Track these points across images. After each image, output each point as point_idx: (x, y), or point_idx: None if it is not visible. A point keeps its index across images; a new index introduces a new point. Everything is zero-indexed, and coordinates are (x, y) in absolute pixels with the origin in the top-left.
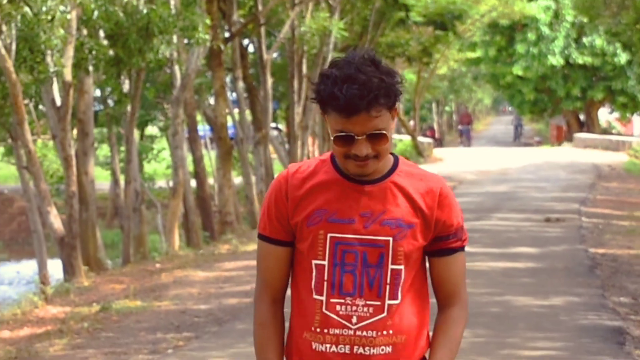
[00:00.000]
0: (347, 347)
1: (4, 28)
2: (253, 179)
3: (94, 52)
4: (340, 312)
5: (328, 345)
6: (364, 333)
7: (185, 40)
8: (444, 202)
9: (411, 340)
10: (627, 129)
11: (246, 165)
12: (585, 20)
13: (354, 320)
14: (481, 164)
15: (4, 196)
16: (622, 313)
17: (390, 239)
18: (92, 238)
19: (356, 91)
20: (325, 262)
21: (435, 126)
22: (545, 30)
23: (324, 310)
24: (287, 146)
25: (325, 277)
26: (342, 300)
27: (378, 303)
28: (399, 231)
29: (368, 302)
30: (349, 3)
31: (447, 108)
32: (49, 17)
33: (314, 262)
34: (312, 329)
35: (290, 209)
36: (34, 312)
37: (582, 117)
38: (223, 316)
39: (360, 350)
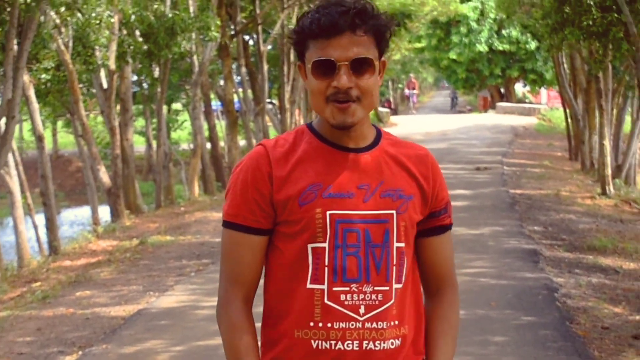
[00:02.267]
0: (356, 342)
1: (63, 29)
2: (254, 141)
3: (131, 47)
4: (346, 302)
5: (333, 342)
6: (374, 325)
7: (201, 37)
8: (436, 171)
9: (413, 331)
10: (537, 98)
11: (248, 131)
12: (504, 16)
13: (362, 310)
14: (426, 127)
15: (64, 158)
16: (536, 238)
17: (394, 212)
18: (132, 189)
19: (340, 8)
20: (326, 245)
21: (391, 99)
22: (474, 24)
23: (325, 301)
24: (279, 116)
25: (326, 262)
26: (347, 289)
27: (387, 288)
28: (401, 203)
29: (376, 288)
30: None
31: (399, 85)
32: (97, 21)
33: (310, 246)
34: (312, 324)
35: (275, 188)
36: (88, 246)
37: (502, 90)
38: None
39: (371, 345)
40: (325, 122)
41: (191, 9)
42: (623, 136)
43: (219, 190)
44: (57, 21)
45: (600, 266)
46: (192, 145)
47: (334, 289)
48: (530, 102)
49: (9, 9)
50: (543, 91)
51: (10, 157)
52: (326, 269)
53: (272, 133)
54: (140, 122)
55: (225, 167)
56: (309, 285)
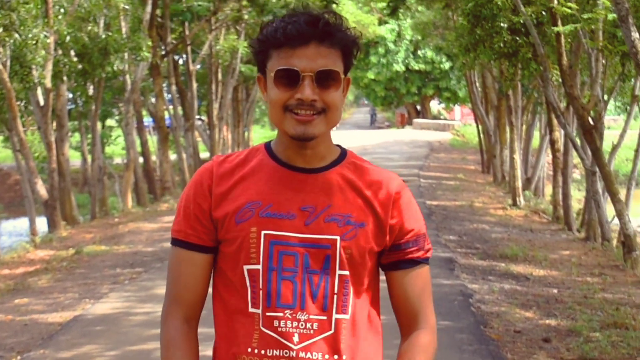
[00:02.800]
0: None
1: (0, 49)
2: (184, 156)
3: (67, 67)
4: (279, 329)
5: None
6: (309, 355)
7: (133, 57)
8: (401, 201)
9: None
10: (451, 115)
11: (179, 146)
12: (419, 37)
13: (296, 339)
14: (347, 143)
15: (3, 171)
16: (452, 247)
17: (338, 238)
18: (68, 201)
19: (307, 18)
20: (260, 267)
21: None
22: (391, 45)
23: (261, 327)
24: (208, 132)
25: (261, 285)
26: (281, 314)
27: (324, 318)
28: (348, 229)
29: (312, 317)
30: (251, 28)
31: None
32: (34, 41)
33: (245, 267)
34: (249, 350)
35: (213, 203)
36: (27, 256)
37: (418, 107)
38: (164, 256)
39: None
40: (281, 140)
41: (123, 31)
42: (532, 150)
43: (151, 202)
44: None
45: (512, 273)
46: (125, 160)
47: (267, 314)
48: (445, 119)
49: None
50: (457, 108)
51: None
52: (261, 292)
53: (202, 148)
54: (75, 138)
55: (157, 179)
56: (250, 309)
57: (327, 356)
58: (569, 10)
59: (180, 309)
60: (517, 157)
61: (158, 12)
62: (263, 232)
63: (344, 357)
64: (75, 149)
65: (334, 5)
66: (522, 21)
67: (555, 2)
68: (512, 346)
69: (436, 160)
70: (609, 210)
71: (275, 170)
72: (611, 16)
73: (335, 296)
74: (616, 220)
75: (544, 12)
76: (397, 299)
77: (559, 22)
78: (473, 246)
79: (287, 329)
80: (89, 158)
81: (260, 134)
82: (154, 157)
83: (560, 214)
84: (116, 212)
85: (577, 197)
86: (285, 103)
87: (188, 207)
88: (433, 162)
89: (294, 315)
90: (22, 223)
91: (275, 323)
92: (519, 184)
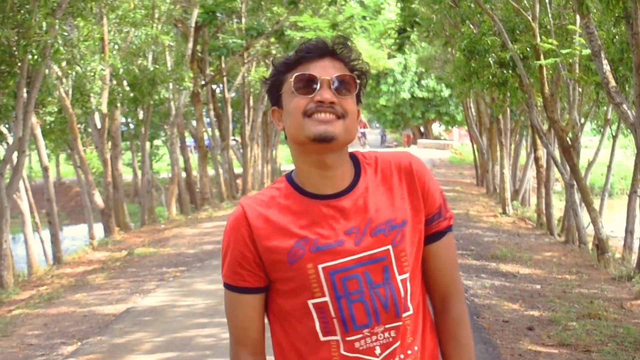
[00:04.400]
0: None
1: (64, 80)
2: (220, 171)
3: (120, 95)
4: (361, 348)
5: None
6: None
7: (177, 86)
8: (419, 174)
9: (430, 352)
10: (450, 136)
11: (216, 162)
12: (423, 70)
13: (378, 351)
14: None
15: (65, 185)
16: None
17: (390, 247)
18: (121, 210)
19: (319, 40)
20: (327, 298)
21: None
22: (399, 76)
23: (342, 351)
24: (241, 150)
25: (333, 314)
26: (360, 336)
27: (399, 323)
28: (395, 234)
29: (387, 327)
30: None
31: None
32: (92, 73)
33: (310, 302)
34: None
35: (261, 251)
36: (86, 257)
37: (422, 129)
38: (203, 256)
39: None
40: (303, 168)
41: (169, 64)
42: (520, 166)
43: (192, 211)
44: (59, 73)
45: (501, 272)
46: (170, 174)
47: (347, 338)
48: (445, 139)
49: (19, 64)
50: (455, 130)
51: (21, 184)
52: (335, 321)
53: (236, 164)
54: (127, 155)
55: (197, 191)
56: (322, 338)
57: (405, 355)
58: (550, 46)
59: (245, 348)
60: (507, 172)
61: (198, 48)
62: (320, 267)
63: (416, 348)
64: (128, 165)
65: (349, 42)
66: (509, 56)
67: (538, 39)
68: (501, 334)
69: (437, 175)
70: (585, 217)
71: (309, 204)
72: (586, 52)
73: (401, 300)
74: (591, 227)
75: (528, 48)
76: (432, 273)
77: (542, 57)
78: (468, 248)
79: (368, 345)
80: (139, 173)
81: (286, 152)
82: (195, 172)
83: (543, 221)
84: (162, 219)
85: (559, 207)
86: (304, 108)
87: (233, 257)
88: (435, 176)
89: (372, 330)
90: (82, 229)
91: (357, 345)
92: (508, 195)
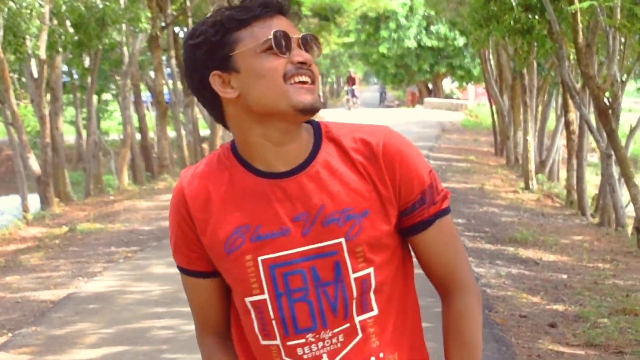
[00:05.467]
0: None
1: None
2: (183, 132)
3: (62, 37)
4: (305, 356)
5: None
6: None
7: (132, 28)
8: (393, 156)
9: (407, 353)
10: (464, 94)
11: (178, 123)
12: (432, 12)
13: (325, 359)
14: (354, 122)
15: None
16: (459, 230)
17: (342, 240)
18: (62, 177)
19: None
20: (266, 296)
21: (320, 93)
22: (403, 20)
23: (284, 357)
24: None
25: (272, 315)
26: (303, 341)
27: (347, 325)
28: (350, 226)
29: (336, 331)
30: None
31: (329, 79)
32: (28, 11)
33: (247, 300)
34: None
35: (199, 230)
36: (18, 233)
37: (430, 86)
38: (161, 234)
39: None
40: (255, 140)
41: (122, 1)
42: (547, 132)
43: (148, 180)
44: None
45: (520, 258)
46: (121, 136)
47: (288, 343)
48: (458, 98)
49: None
50: (470, 87)
51: None
52: (273, 322)
53: (202, 125)
54: (70, 112)
55: (155, 157)
56: (262, 342)
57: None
58: None
59: (208, 331)
60: (531, 139)
61: None
62: (260, 259)
63: (381, 355)
64: (70, 123)
65: None
66: None
67: None
68: (517, 330)
69: (447, 142)
70: (625, 195)
71: (256, 183)
72: None
73: (354, 300)
74: (631, 206)
75: None
76: (424, 265)
77: None
78: (482, 230)
79: (314, 352)
80: (83, 133)
81: None
82: (151, 134)
83: (574, 199)
84: (111, 189)
85: (593, 182)
86: (283, 71)
87: (176, 236)
88: (444, 143)
89: (318, 336)
90: (14, 200)
91: (299, 351)
92: (532, 166)
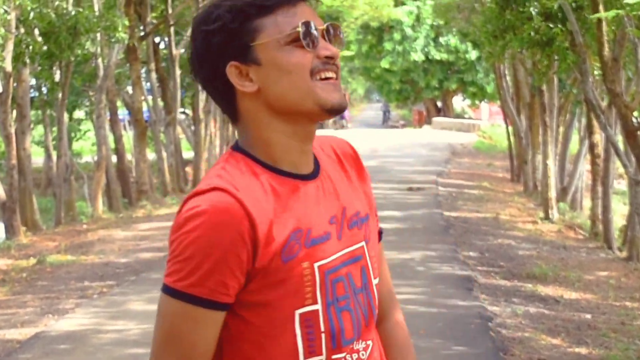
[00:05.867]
0: None
1: None
2: (164, 154)
3: (30, 47)
4: None
5: None
6: None
7: (107, 38)
8: (361, 162)
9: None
10: (477, 113)
11: (158, 143)
12: (441, 22)
13: None
14: (356, 144)
15: None
16: (471, 264)
17: (364, 243)
18: (29, 203)
19: None
20: (319, 306)
21: None
22: (409, 31)
23: None
24: (192, 127)
25: (322, 328)
26: (344, 354)
27: (371, 334)
28: (365, 230)
29: (367, 341)
30: None
31: None
32: None
33: (298, 312)
34: None
35: (263, 245)
36: None
37: (439, 103)
38: (139, 267)
39: None
40: (277, 144)
41: (96, 7)
42: (570, 156)
43: (125, 207)
44: None
45: (539, 295)
46: (95, 158)
47: (334, 357)
48: (470, 118)
49: None
50: (484, 106)
51: None
52: (323, 336)
53: (185, 145)
54: (39, 131)
55: (133, 181)
56: None
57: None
58: None
59: None
60: (551, 164)
61: None
62: (316, 265)
63: (376, 355)
64: (38, 143)
65: None
66: (557, 5)
67: None
68: None
69: (458, 166)
70: None
71: (292, 185)
72: None
73: (374, 310)
74: None
75: None
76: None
77: (601, 7)
78: (496, 264)
79: None
80: (53, 155)
81: None
82: (129, 156)
83: (599, 230)
84: (84, 217)
85: (621, 212)
86: (310, 67)
87: (220, 260)
88: (454, 167)
89: (353, 347)
90: None
91: None
92: (553, 194)
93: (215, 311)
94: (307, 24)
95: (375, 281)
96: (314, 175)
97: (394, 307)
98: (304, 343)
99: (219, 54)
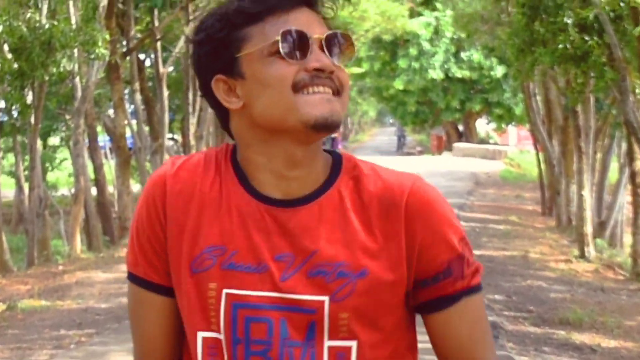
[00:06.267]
0: None
1: None
2: None
3: None
4: None
5: None
6: None
7: (86, 54)
8: (418, 211)
9: None
10: (503, 138)
11: (144, 174)
12: (463, 36)
13: None
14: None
15: None
16: (497, 309)
17: (326, 298)
18: None
19: None
20: (221, 337)
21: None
22: (426, 45)
23: None
24: (182, 154)
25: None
26: None
27: None
28: (340, 285)
29: None
30: None
31: None
32: None
33: (200, 334)
34: None
35: (170, 233)
36: None
37: (460, 127)
38: (122, 314)
39: None
40: (254, 163)
41: (73, 20)
42: (608, 186)
43: (106, 246)
44: None
45: (573, 344)
46: (73, 190)
47: None
48: (495, 143)
49: None
50: (511, 129)
51: None
52: None
53: None
54: (9, 160)
55: (115, 217)
56: None
57: None
58: None
59: None
60: (587, 194)
61: None
62: (225, 291)
63: None
64: (9, 174)
65: None
66: (594, 15)
67: None
68: None
69: (482, 198)
70: None
71: (245, 202)
72: None
73: None
74: None
75: (622, 3)
76: (438, 350)
77: None
78: (525, 309)
79: None
80: (25, 187)
81: None
82: (111, 187)
83: None
84: (60, 258)
85: None
86: (294, 80)
87: (142, 233)
88: (478, 199)
89: None
90: None
91: None
92: (589, 229)
93: (153, 293)
94: (288, 33)
95: (331, 342)
96: (290, 203)
97: None
98: None
99: (207, 66)
